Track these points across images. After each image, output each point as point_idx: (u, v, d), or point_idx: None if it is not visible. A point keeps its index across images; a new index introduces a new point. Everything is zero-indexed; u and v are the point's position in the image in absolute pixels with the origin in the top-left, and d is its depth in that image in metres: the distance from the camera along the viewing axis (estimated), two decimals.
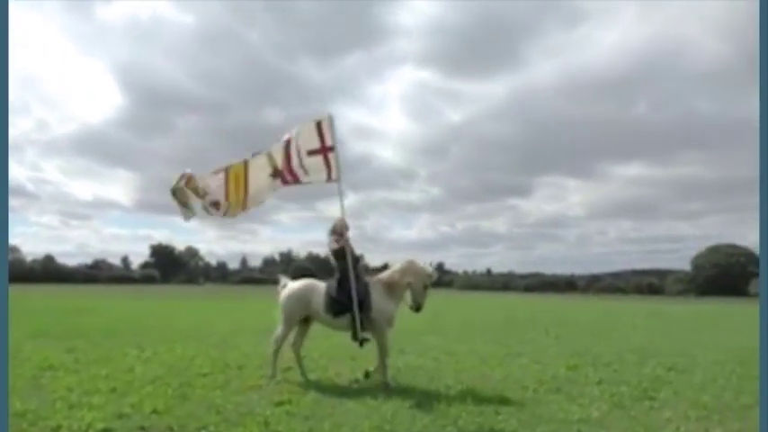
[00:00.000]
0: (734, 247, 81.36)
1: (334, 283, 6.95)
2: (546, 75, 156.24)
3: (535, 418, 5.22)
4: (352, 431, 4.68)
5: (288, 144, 6.92)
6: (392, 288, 6.95)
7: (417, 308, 6.92)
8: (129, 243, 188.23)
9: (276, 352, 7.03)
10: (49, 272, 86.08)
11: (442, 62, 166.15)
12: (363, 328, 6.74)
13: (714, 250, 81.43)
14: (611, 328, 16.39)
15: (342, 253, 6.87)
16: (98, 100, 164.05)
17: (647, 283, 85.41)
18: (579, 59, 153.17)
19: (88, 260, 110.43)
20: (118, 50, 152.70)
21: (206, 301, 31.69)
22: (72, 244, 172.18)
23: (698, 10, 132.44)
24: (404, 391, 6.30)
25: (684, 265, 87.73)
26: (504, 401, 5.89)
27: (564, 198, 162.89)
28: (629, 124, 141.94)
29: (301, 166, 6.93)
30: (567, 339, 12.62)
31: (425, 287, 6.95)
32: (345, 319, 6.82)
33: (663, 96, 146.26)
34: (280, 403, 5.61)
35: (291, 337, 7.18)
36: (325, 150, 6.92)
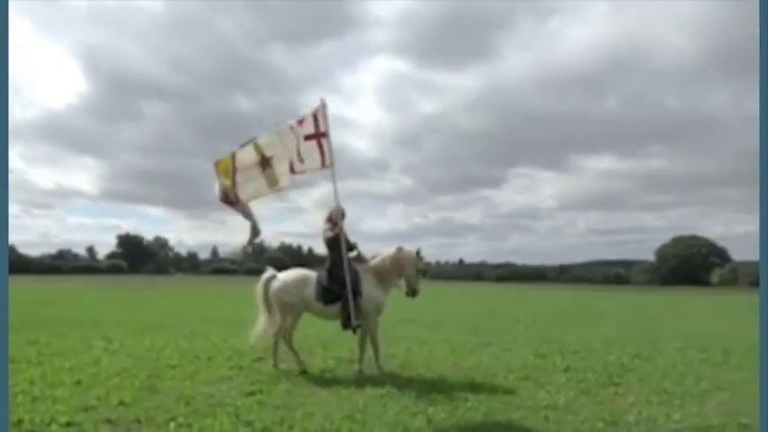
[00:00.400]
0: (695, 238, 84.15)
1: (324, 271, 6.94)
2: (519, 67, 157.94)
3: (504, 404, 5.31)
4: (324, 420, 4.67)
5: (291, 131, 6.77)
6: (382, 276, 6.98)
7: (414, 293, 6.96)
8: (95, 233, 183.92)
9: (289, 343, 7.00)
10: (10, 262, 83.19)
11: (415, 53, 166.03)
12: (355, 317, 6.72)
13: (677, 241, 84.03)
14: (579, 318, 16.78)
15: (334, 241, 6.86)
16: (61, 85, 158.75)
17: (614, 274, 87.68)
18: (552, 53, 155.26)
19: (51, 250, 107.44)
20: (82, 34, 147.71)
21: (176, 292, 31.18)
22: (34, 233, 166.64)
23: (667, 8, 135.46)
24: (376, 381, 6.32)
25: (650, 255, 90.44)
26: (474, 389, 5.98)
27: (536, 190, 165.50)
28: (599, 118, 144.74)
29: (298, 153, 6.82)
30: (535, 328, 12.87)
31: (418, 271, 7.00)
32: (336, 308, 6.82)
33: (632, 91, 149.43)
34: (251, 393, 5.57)
35: (277, 325, 7.07)
36: (318, 136, 6.87)
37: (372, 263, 7.15)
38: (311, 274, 7.10)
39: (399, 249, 7.00)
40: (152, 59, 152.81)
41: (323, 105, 6.89)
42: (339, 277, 6.76)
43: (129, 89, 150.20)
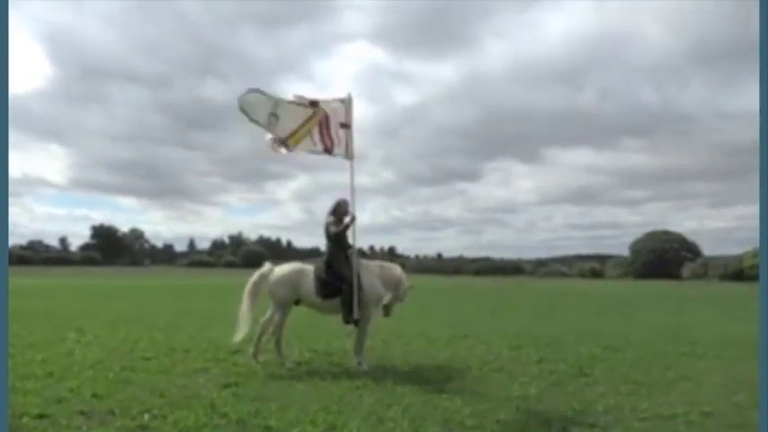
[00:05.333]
0: (668, 233, 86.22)
1: (322, 265, 6.89)
2: (497, 58, 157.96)
3: (478, 396, 5.41)
4: (300, 412, 4.71)
5: (319, 106, 7.00)
6: (385, 278, 7.03)
7: (389, 312, 7.17)
8: (66, 223, 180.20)
9: (278, 342, 6.89)
10: None
11: (392, 41, 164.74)
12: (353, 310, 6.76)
13: (651, 236, 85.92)
14: (553, 311, 17.09)
15: (336, 235, 6.86)
16: (23, 69, 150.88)
17: (590, 268, 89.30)
18: (531, 43, 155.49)
19: (21, 241, 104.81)
20: (43, 14, 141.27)
21: (151, 284, 30.78)
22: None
23: (647, 1, 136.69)
24: (352, 373, 6.38)
25: (624, 250, 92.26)
26: (449, 380, 6.08)
27: (513, 183, 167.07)
28: (576, 111, 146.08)
29: (337, 135, 7.07)
30: (511, 321, 13.09)
31: (402, 297, 7.24)
32: (335, 302, 6.80)
33: (609, 85, 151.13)
34: (226, 386, 5.57)
35: (266, 316, 7.04)
36: (345, 127, 7.08)
37: (377, 262, 7.28)
38: (308, 267, 7.01)
39: (401, 270, 7.27)
40: (119, 42, 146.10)
41: (350, 99, 7.11)
42: (338, 270, 6.76)
43: (95, 73, 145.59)
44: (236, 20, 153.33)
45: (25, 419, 4.32)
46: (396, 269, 7.21)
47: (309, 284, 6.82)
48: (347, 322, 6.86)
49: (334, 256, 6.86)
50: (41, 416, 4.41)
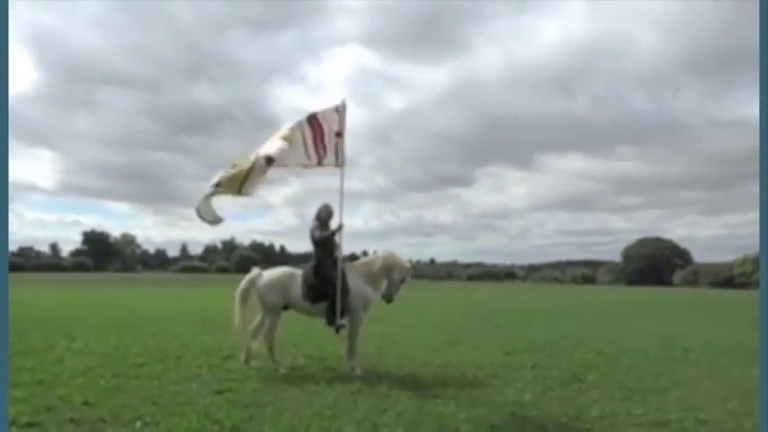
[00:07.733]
0: (659, 240, 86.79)
1: (310, 269, 6.91)
2: (491, 63, 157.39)
3: (472, 401, 5.40)
4: (294, 418, 4.68)
5: (316, 119, 7.02)
6: (370, 276, 7.04)
7: (390, 299, 7.06)
8: (57, 229, 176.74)
9: (271, 348, 6.86)
10: None
11: (384, 45, 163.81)
12: (341, 314, 6.75)
13: (643, 243, 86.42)
14: (547, 317, 17.11)
15: (324, 240, 6.87)
16: (10, 73, 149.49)
17: (581, 274, 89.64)
18: (524, 49, 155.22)
19: (12, 247, 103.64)
20: (27, 17, 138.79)
21: (143, 290, 30.54)
22: None
23: (641, 8, 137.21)
24: (346, 378, 6.35)
25: (616, 256, 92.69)
26: (443, 386, 6.06)
27: (506, 189, 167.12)
28: (569, 117, 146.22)
29: (330, 143, 7.07)
30: (504, 327, 13.08)
31: (403, 281, 7.12)
32: (323, 306, 6.81)
33: (603, 92, 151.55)
34: (220, 392, 5.53)
35: (256, 321, 7.05)
36: (338, 135, 7.10)
37: (362, 261, 7.26)
38: (297, 272, 7.05)
39: (391, 254, 7.16)
40: (107, 46, 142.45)
41: (344, 106, 7.11)
42: (326, 274, 6.76)
43: (84, 77, 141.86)
44: (227, 23, 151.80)
45: (14, 428, 4.27)
46: (377, 261, 7.12)
47: (298, 289, 6.84)
48: (329, 324, 6.85)
49: (321, 260, 6.88)
50: (31, 424, 4.36)
